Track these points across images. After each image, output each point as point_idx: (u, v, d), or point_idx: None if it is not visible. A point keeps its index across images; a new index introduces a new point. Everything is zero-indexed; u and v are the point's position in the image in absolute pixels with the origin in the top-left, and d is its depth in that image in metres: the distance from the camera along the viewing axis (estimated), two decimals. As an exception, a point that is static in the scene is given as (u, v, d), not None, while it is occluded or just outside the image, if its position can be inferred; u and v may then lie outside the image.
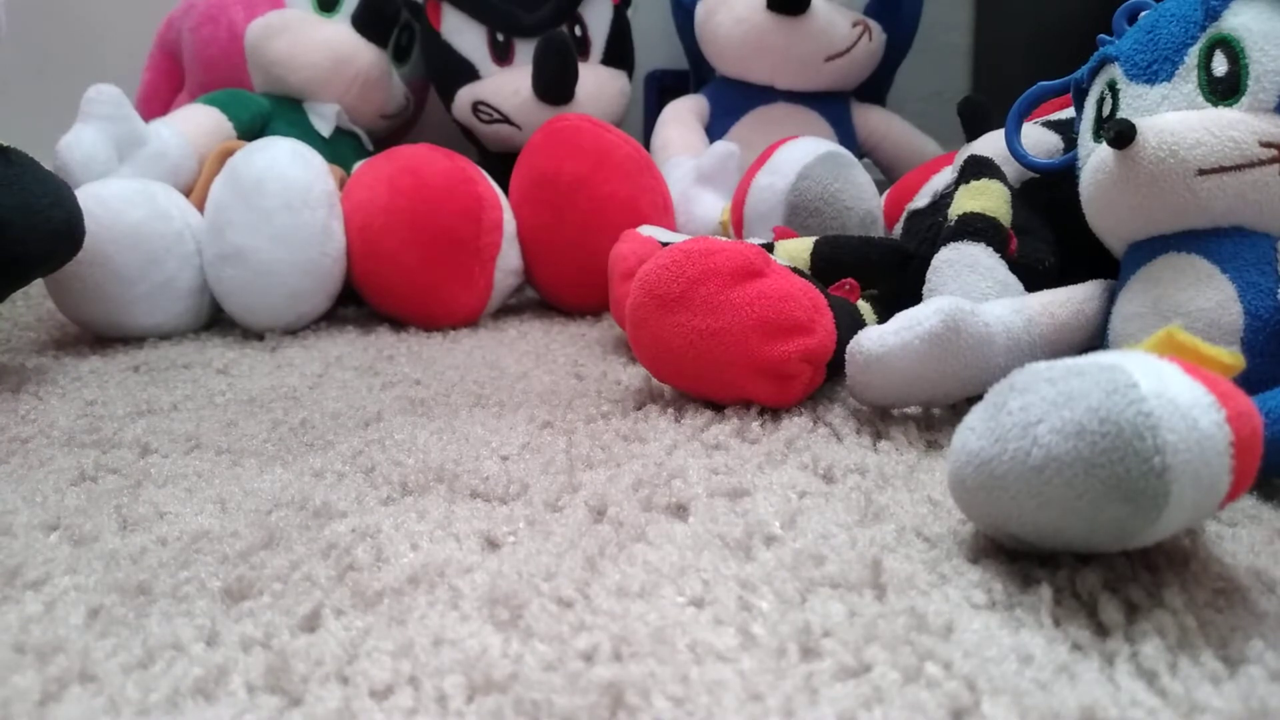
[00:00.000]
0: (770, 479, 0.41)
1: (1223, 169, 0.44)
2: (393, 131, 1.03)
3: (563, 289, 0.78)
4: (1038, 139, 0.63)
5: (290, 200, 0.68)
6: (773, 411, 0.50)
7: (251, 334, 0.72)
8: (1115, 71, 0.50)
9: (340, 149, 0.92)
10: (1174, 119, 0.45)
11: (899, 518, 0.37)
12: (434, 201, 0.71)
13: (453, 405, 0.54)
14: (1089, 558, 0.33)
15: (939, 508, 0.38)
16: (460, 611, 0.31)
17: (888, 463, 0.43)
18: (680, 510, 0.39)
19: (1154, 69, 0.48)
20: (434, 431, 0.49)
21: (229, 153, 0.76)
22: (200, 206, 0.73)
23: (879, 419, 0.49)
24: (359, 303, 0.79)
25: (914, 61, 1.03)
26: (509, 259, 0.75)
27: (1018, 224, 0.55)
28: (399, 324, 0.75)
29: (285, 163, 0.69)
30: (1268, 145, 0.44)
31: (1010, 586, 0.32)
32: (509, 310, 0.81)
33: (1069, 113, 0.64)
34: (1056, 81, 0.59)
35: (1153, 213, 0.45)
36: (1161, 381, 0.29)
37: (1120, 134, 0.44)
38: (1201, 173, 0.44)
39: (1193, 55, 0.47)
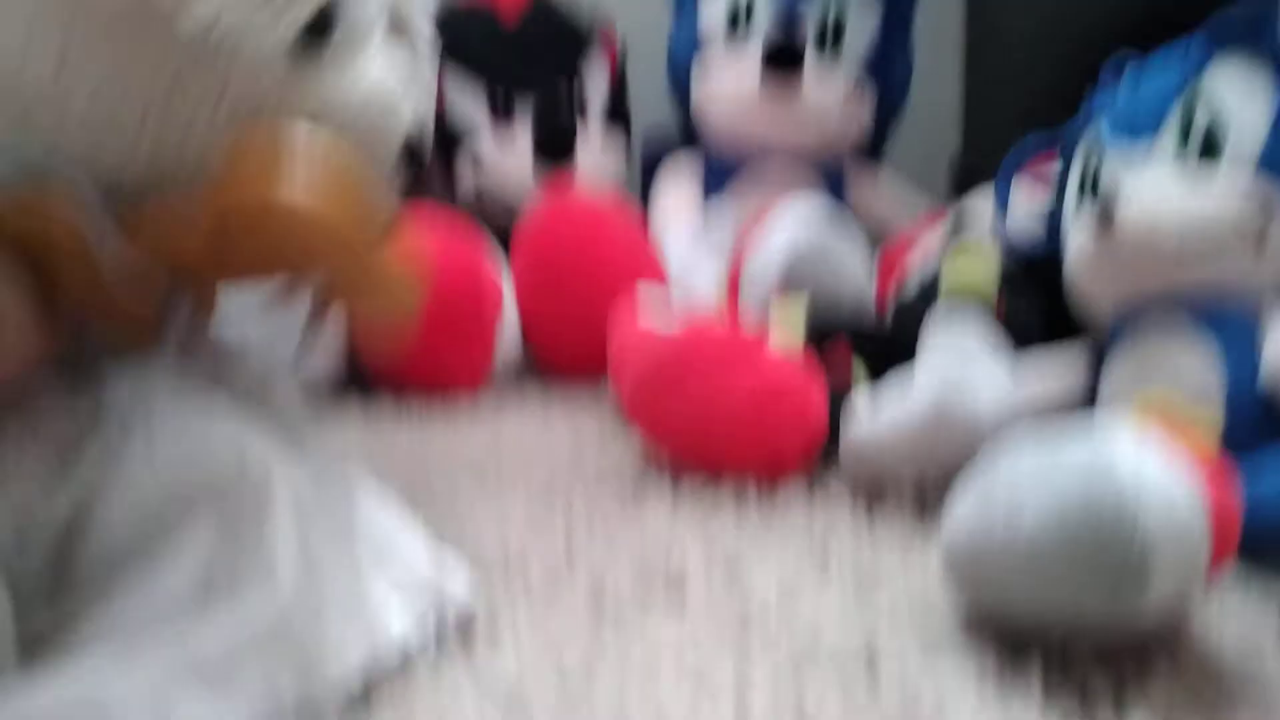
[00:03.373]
0: (767, 553, 0.42)
1: (1204, 237, 0.45)
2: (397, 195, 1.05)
3: (562, 360, 0.79)
4: (1027, 206, 0.63)
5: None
6: (770, 487, 0.50)
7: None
8: (1100, 129, 0.51)
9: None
10: (1155, 188, 0.46)
11: (893, 593, 0.38)
12: (434, 270, 0.72)
13: (454, 480, 0.54)
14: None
15: (932, 583, 0.38)
16: (460, 688, 0.31)
17: (882, 538, 0.43)
18: (678, 583, 0.40)
19: (1136, 128, 0.49)
20: (436, 510, 0.49)
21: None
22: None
23: (873, 497, 0.49)
24: (359, 379, 0.80)
25: (907, 121, 1.05)
26: (509, 331, 0.76)
27: (1005, 287, 0.56)
28: (401, 399, 0.75)
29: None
30: (1248, 204, 0.45)
31: (1003, 660, 0.32)
32: (508, 381, 0.81)
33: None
34: (1043, 135, 0.60)
35: (1135, 283, 0.46)
36: (1140, 466, 0.29)
37: (1104, 212, 0.45)
38: (1183, 244, 0.45)
39: (1174, 114, 0.48)
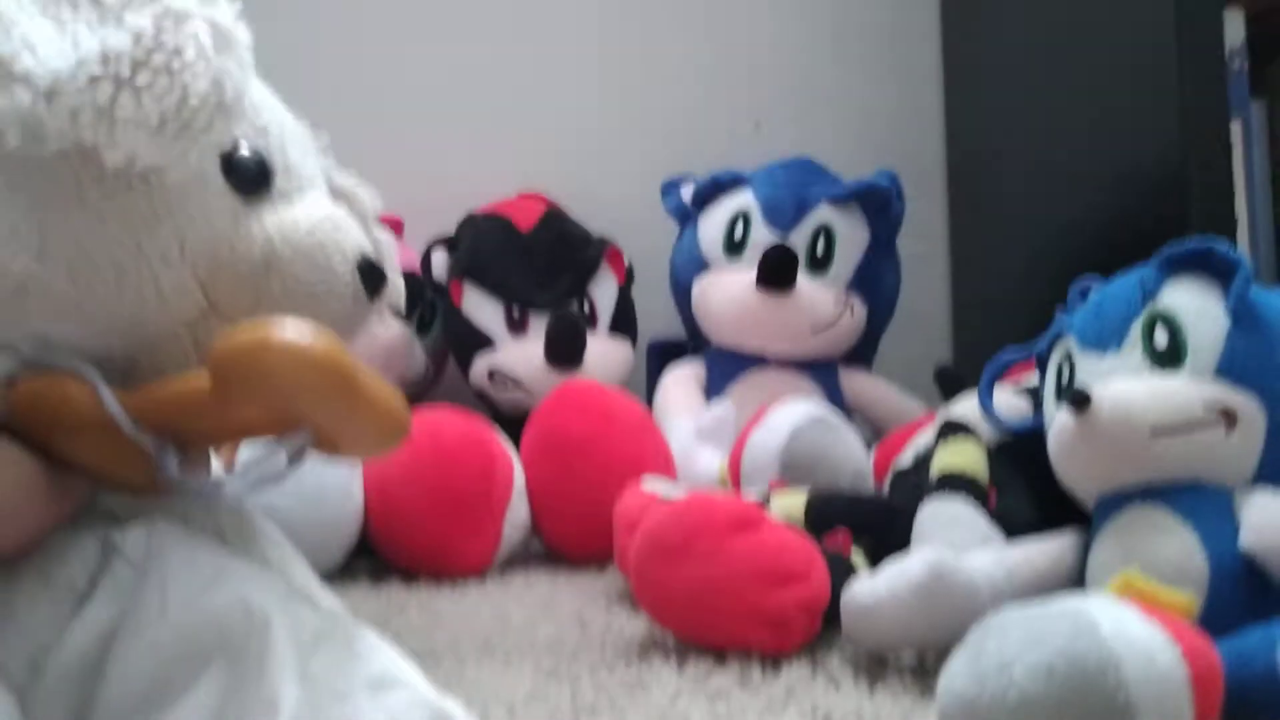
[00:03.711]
0: (771, 727, 0.43)
1: (1174, 429, 0.48)
2: (413, 396, 1.09)
3: (569, 541, 0.81)
4: (1010, 403, 0.68)
5: (318, 462, 0.73)
6: (773, 659, 0.51)
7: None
8: (1070, 343, 0.56)
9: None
10: (1125, 385, 0.50)
11: (895, 763, 0.38)
12: (449, 460, 0.76)
13: (461, 655, 0.55)
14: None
15: (934, 753, 0.39)
16: None
17: (884, 709, 0.44)
18: (683, 758, 0.40)
19: (1103, 340, 0.54)
20: (442, 681, 0.50)
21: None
22: (229, 466, 0.78)
23: (875, 665, 0.50)
24: (371, 555, 0.82)
25: (896, 329, 1.11)
26: (518, 513, 0.79)
27: (995, 480, 0.59)
28: (410, 576, 0.77)
29: (314, 424, 0.75)
30: (1212, 407, 0.49)
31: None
32: (516, 561, 0.83)
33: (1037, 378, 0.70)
34: (1020, 349, 0.65)
35: (1113, 470, 0.49)
36: (1121, 623, 0.31)
37: (1077, 398, 0.49)
38: (1154, 433, 0.48)
39: (1136, 329, 0.52)
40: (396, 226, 1.12)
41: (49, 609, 0.34)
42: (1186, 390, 0.49)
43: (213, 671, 0.32)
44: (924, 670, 0.50)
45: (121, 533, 0.36)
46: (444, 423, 0.78)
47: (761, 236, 1.00)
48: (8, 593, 0.34)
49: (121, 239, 0.37)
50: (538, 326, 1.04)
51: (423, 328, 1.11)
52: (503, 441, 0.81)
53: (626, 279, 1.12)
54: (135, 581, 0.35)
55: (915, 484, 0.63)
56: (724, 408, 0.88)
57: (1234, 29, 0.94)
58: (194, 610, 0.33)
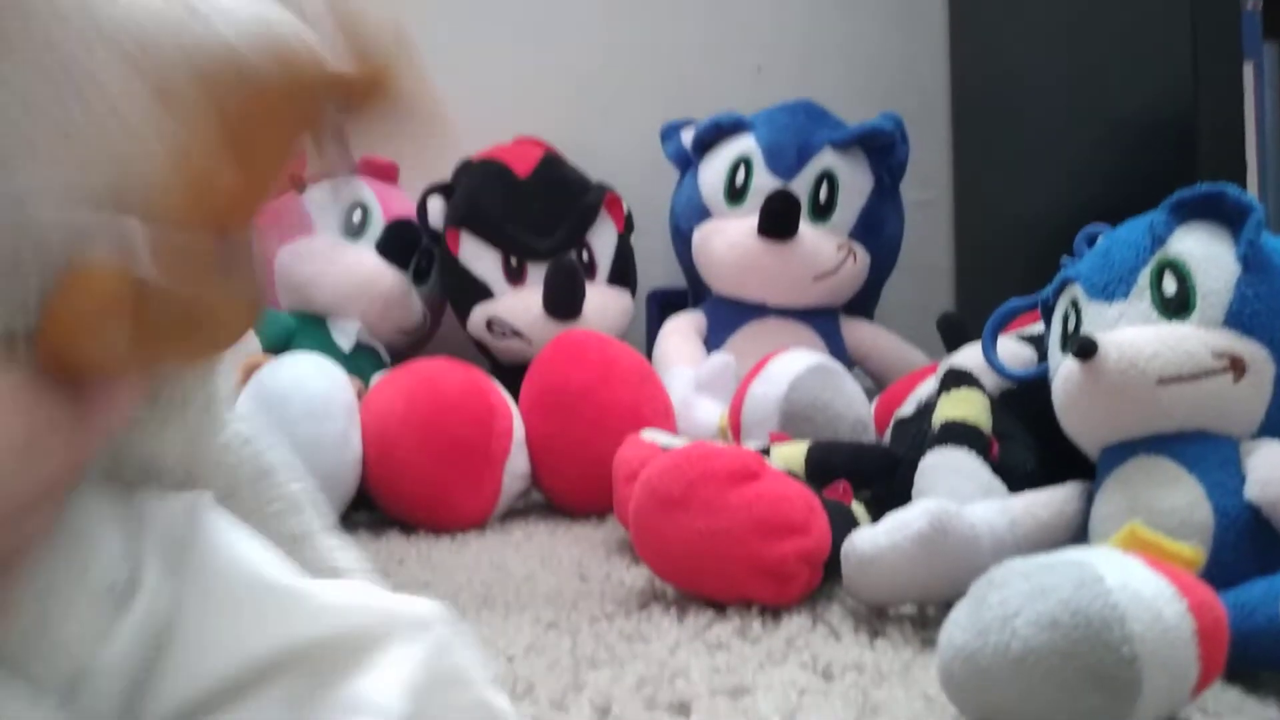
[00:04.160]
0: (771, 677, 0.43)
1: (1180, 378, 0.48)
2: (410, 346, 1.09)
3: (569, 492, 0.81)
4: (1014, 351, 0.67)
5: (313, 410, 0.72)
6: (773, 610, 0.51)
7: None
8: (1077, 290, 0.55)
9: (360, 362, 0.97)
10: (1132, 333, 0.49)
11: (895, 714, 0.38)
12: (448, 410, 0.75)
13: (461, 606, 0.55)
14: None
15: (934, 704, 0.39)
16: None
17: (884, 660, 0.44)
18: (683, 709, 0.40)
19: (1111, 288, 0.53)
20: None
21: (254, 367, 0.81)
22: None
23: (876, 617, 0.50)
24: (370, 507, 0.81)
25: (899, 278, 1.10)
26: (517, 464, 0.78)
27: (998, 430, 0.59)
28: (408, 527, 0.77)
29: (309, 376, 0.74)
30: (1220, 355, 0.48)
31: (1004, 780, 0.33)
32: (516, 513, 0.83)
33: (1041, 327, 0.69)
34: (1026, 298, 0.64)
35: (1119, 419, 0.49)
36: (1126, 574, 0.31)
37: (1084, 347, 0.48)
38: (1161, 381, 0.47)
39: (1144, 276, 0.51)
40: (391, 172, 1.10)
41: (88, 616, 0.30)
42: (1194, 338, 0.48)
43: (277, 689, 0.30)
44: (924, 622, 0.50)
45: (157, 504, 0.32)
46: (443, 373, 0.77)
47: (763, 183, 0.99)
48: (40, 599, 0.31)
49: None
50: (536, 276, 1.03)
51: (419, 277, 1.10)
52: (502, 392, 0.80)
53: (626, 227, 1.11)
54: (180, 580, 0.32)
55: (917, 433, 0.63)
56: (724, 358, 0.88)
57: (1248, -31, 0.92)
58: (254, 626, 0.30)
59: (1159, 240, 0.52)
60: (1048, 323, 0.59)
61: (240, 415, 0.36)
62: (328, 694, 0.28)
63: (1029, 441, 0.60)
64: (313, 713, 0.28)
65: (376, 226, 1.04)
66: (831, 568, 0.51)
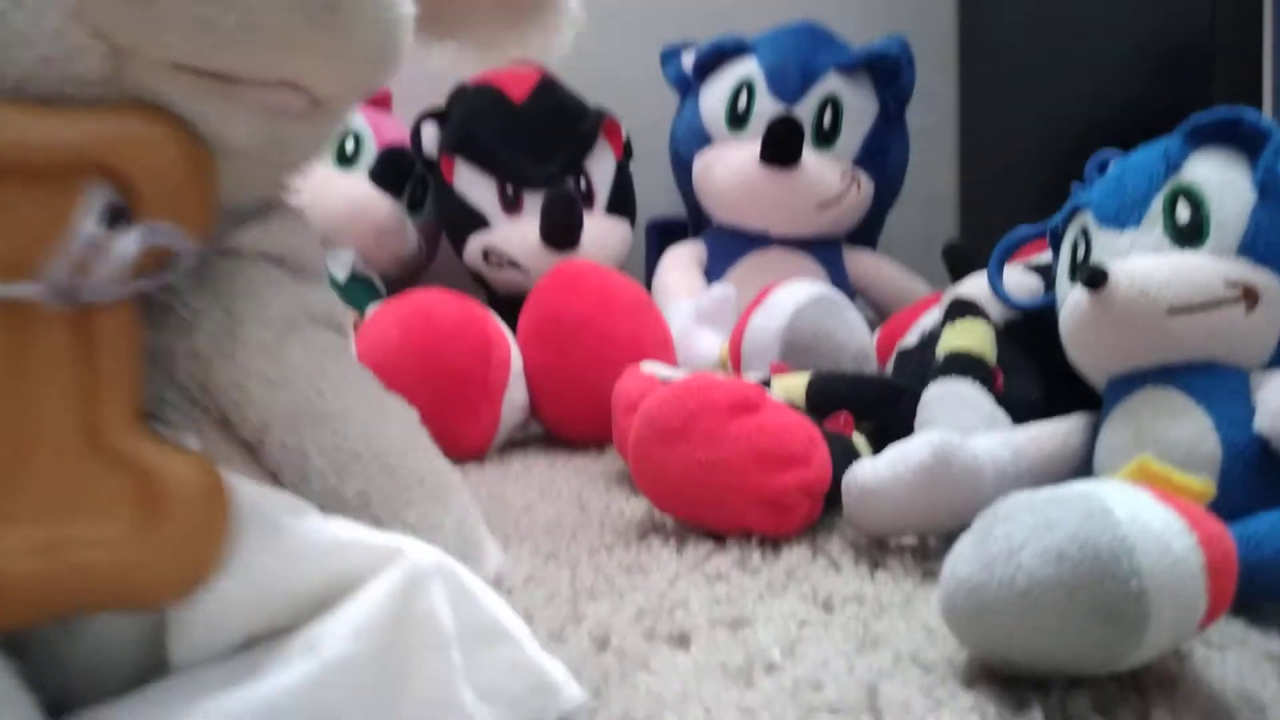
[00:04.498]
0: (770, 608, 0.42)
1: (1191, 308, 0.47)
2: (406, 276, 1.07)
3: (568, 423, 0.80)
4: (1019, 281, 0.66)
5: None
6: (773, 542, 0.51)
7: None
8: (1087, 218, 0.54)
9: (355, 292, 0.96)
10: (1144, 262, 0.48)
11: (896, 645, 0.38)
12: (444, 341, 0.74)
13: (459, 538, 0.55)
14: (1079, 681, 0.34)
15: (934, 635, 0.39)
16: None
17: (885, 592, 0.44)
18: (682, 640, 0.40)
19: (1122, 216, 0.51)
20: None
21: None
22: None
23: (876, 549, 0.50)
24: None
25: (903, 207, 1.08)
26: (516, 395, 0.78)
27: (1003, 361, 0.58)
28: (407, 459, 0.76)
29: (303, 305, 0.73)
30: (1233, 285, 0.47)
31: (1004, 710, 0.32)
32: (515, 444, 0.83)
33: (1048, 256, 0.68)
34: (1034, 226, 0.63)
35: (1128, 349, 0.48)
36: (1135, 507, 0.30)
37: (1093, 276, 0.47)
38: (1172, 311, 0.46)
39: (1157, 203, 0.50)
40: (384, 99, 1.07)
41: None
42: (1207, 267, 0.47)
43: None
44: (925, 553, 0.49)
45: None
46: (439, 304, 0.76)
47: (766, 108, 0.97)
48: None
49: None
50: (533, 205, 1.01)
51: (414, 206, 1.08)
52: (499, 323, 0.79)
53: (624, 154, 1.08)
54: None
55: (920, 364, 0.62)
56: (724, 289, 0.86)
57: (1273, -117, 0.88)
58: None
59: (1173, 166, 0.50)
60: (1056, 251, 0.58)
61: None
62: (294, 636, 0.28)
63: (1034, 373, 0.59)
64: (272, 653, 0.27)
65: (369, 154, 1.01)
66: (832, 499, 0.51)
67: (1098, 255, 0.51)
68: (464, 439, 0.75)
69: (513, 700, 0.29)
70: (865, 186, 0.98)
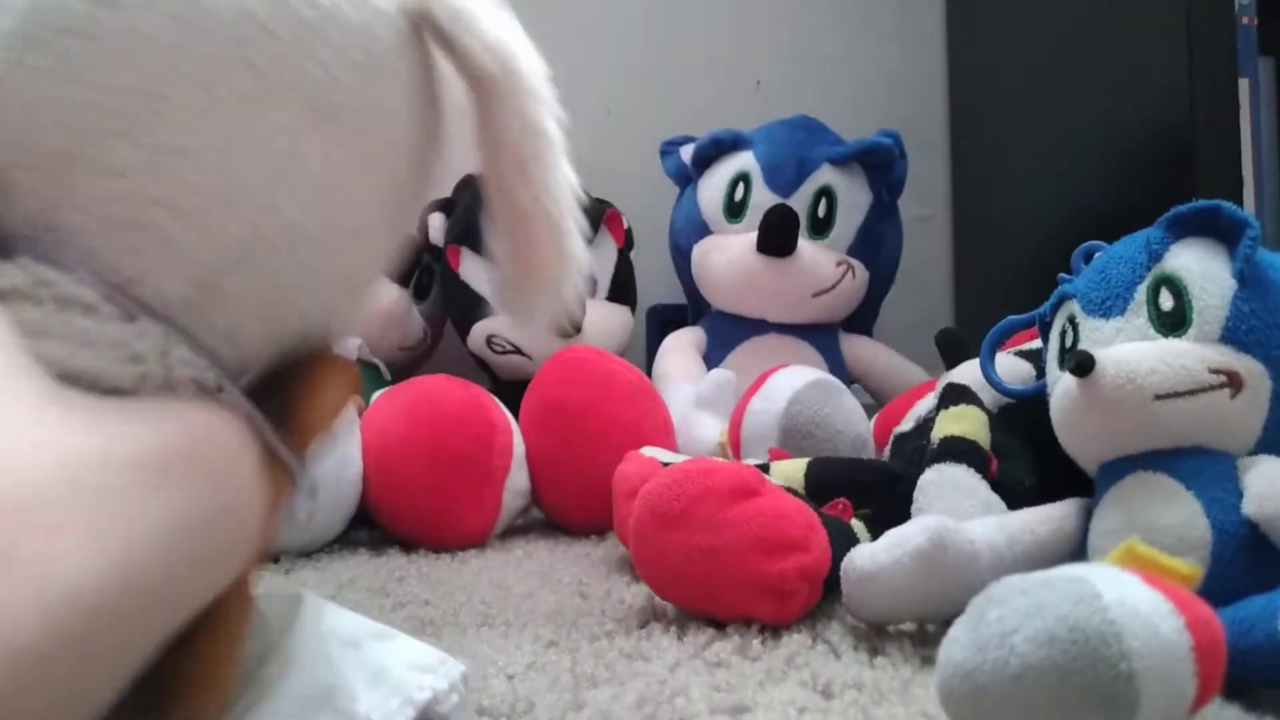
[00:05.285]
0: (771, 696, 0.43)
1: (1177, 393, 0.48)
2: (410, 362, 1.09)
3: (569, 509, 0.81)
4: (1011, 367, 0.67)
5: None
6: (773, 628, 0.51)
7: (265, 556, 0.74)
8: (1074, 307, 0.55)
9: (360, 378, 0.97)
10: (1129, 349, 0.49)
11: (895, 732, 0.38)
12: (448, 427, 0.75)
13: (461, 625, 0.55)
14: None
15: (934, 723, 0.39)
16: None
17: (884, 678, 0.44)
18: (683, 727, 0.40)
19: (1108, 305, 0.53)
20: (440, 645, 0.50)
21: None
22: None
23: (875, 635, 0.50)
24: (370, 525, 0.82)
25: (898, 294, 1.11)
26: (518, 481, 0.78)
27: (997, 447, 0.59)
28: (409, 545, 0.77)
29: (310, 393, 0.74)
30: (1216, 371, 0.48)
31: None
32: (516, 530, 0.83)
33: (1039, 343, 0.69)
34: (1023, 315, 0.64)
35: (1117, 435, 0.49)
36: (1123, 591, 0.31)
37: (1081, 364, 0.49)
38: (1158, 398, 0.48)
39: (1141, 292, 0.52)
40: (392, 192, 1.10)
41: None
42: (1191, 354, 0.48)
43: None
44: (924, 639, 0.50)
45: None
46: (443, 390, 0.78)
47: (762, 198, 0.99)
48: None
49: None
50: (536, 293, 1.03)
51: (420, 293, 1.10)
52: (502, 409, 0.80)
53: (626, 243, 1.11)
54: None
55: (916, 450, 0.63)
56: (724, 374, 0.88)
57: (1243, -15, 0.93)
58: None
59: (1155, 256, 0.52)
60: (1045, 339, 0.59)
61: None
62: None
63: (1027, 458, 0.60)
64: None
65: (377, 244, 1.04)
66: (831, 585, 0.51)
67: (1085, 343, 0.53)
68: (467, 525, 0.76)
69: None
70: (860, 275, 1.00)
